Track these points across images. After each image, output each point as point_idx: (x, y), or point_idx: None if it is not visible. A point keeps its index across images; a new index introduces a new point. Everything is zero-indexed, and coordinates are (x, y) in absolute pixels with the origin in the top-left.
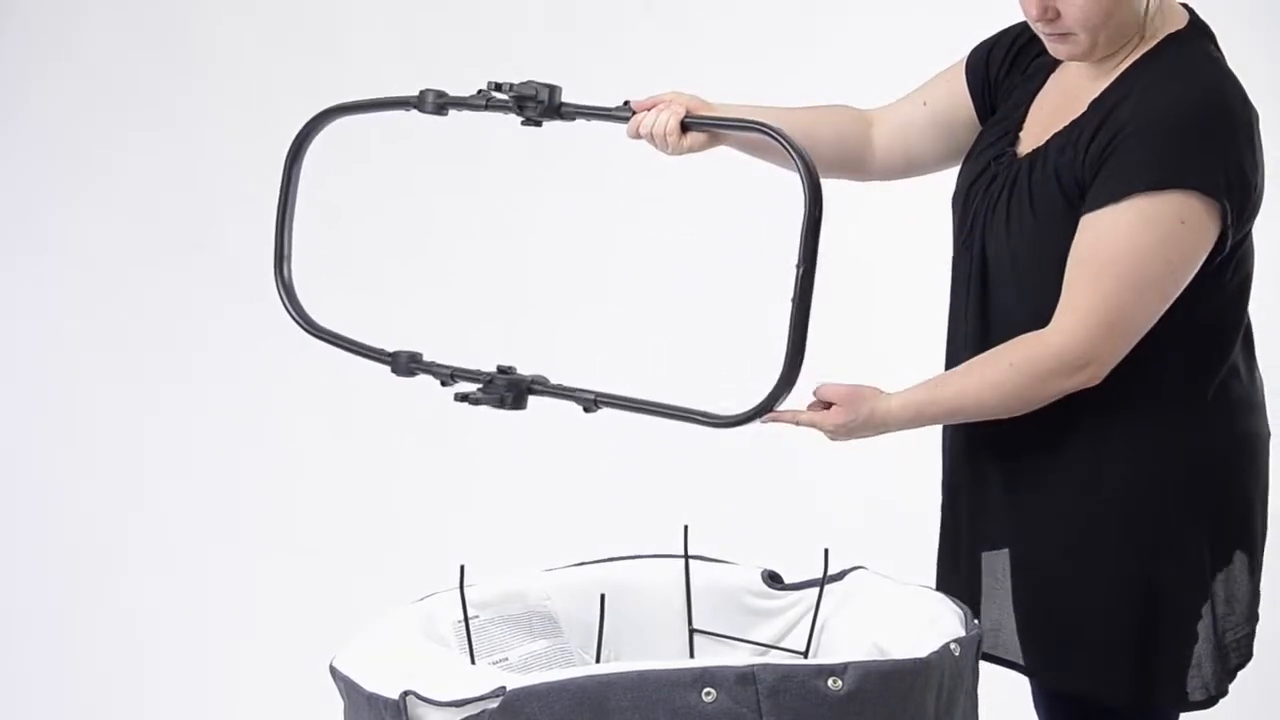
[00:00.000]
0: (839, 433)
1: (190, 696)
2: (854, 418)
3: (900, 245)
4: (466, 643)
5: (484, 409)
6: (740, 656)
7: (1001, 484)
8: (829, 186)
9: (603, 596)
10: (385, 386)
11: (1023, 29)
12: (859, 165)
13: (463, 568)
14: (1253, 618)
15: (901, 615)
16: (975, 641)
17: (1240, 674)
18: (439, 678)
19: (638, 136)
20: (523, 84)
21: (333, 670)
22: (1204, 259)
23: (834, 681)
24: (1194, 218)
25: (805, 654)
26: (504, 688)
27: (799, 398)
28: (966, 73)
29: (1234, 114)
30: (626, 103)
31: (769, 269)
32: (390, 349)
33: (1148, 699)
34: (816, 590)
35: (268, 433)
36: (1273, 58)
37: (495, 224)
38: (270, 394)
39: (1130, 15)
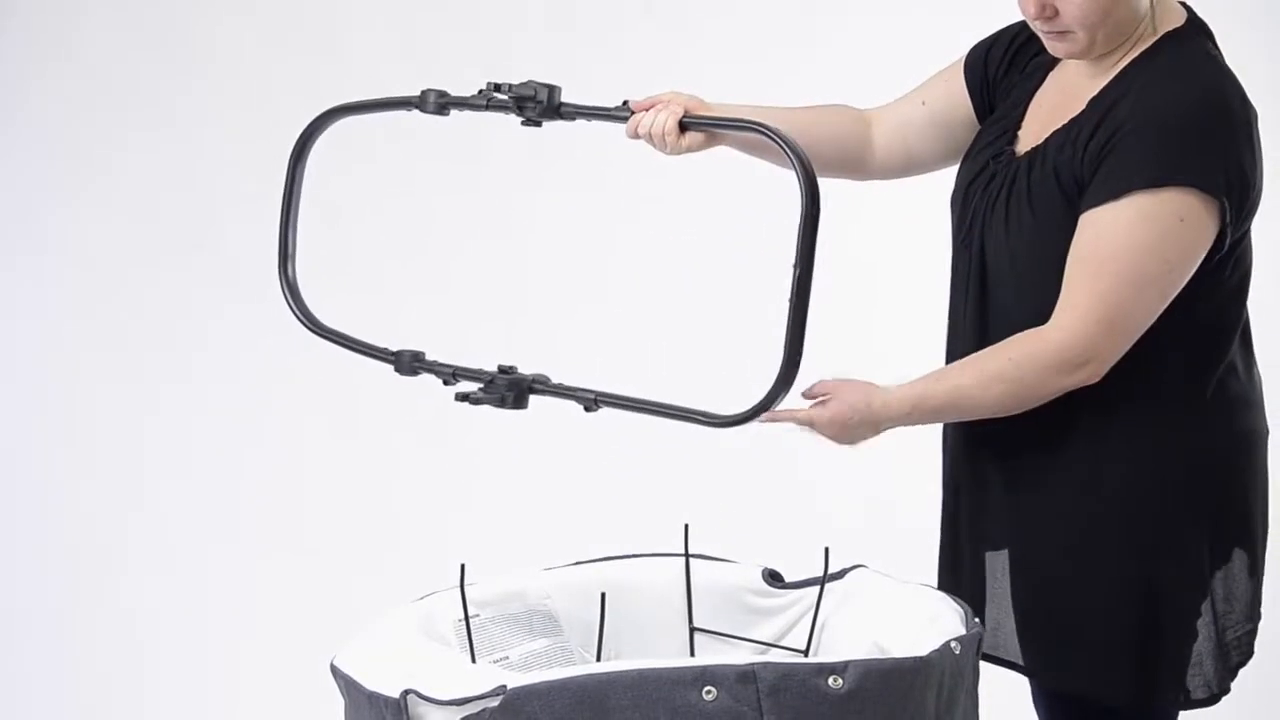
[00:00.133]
0: (836, 429)
1: (190, 696)
2: (851, 409)
3: (899, 244)
4: (467, 641)
5: (484, 408)
6: (741, 655)
7: (1001, 484)
8: (828, 186)
9: (603, 595)
10: (385, 386)
11: (1021, 28)
12: (858, 165)
13: (463, 566)
14: (1253, 616)
15: (902, 614)
16: (976, 640)
17: (1241, 672)
18: (439, 676)
19: (636, 136)
20: (522, 84)
21: (333, 669)
22: (1203, 257)
23: (834, 680)
24: (1193, 215)
25: (806, 652)
26: (504, 686)
27: (798, 399)
28: (965, 72)
29: (1233, 112)
30: (625, 103)
31: (768, 268)
32: (393, 348)
33: (1148, 698)
34: (817, 589)
35: (268, 433)
36: (1272, 57)
37: (496, 224)
38: (270, 394)
39: (1128, 13)
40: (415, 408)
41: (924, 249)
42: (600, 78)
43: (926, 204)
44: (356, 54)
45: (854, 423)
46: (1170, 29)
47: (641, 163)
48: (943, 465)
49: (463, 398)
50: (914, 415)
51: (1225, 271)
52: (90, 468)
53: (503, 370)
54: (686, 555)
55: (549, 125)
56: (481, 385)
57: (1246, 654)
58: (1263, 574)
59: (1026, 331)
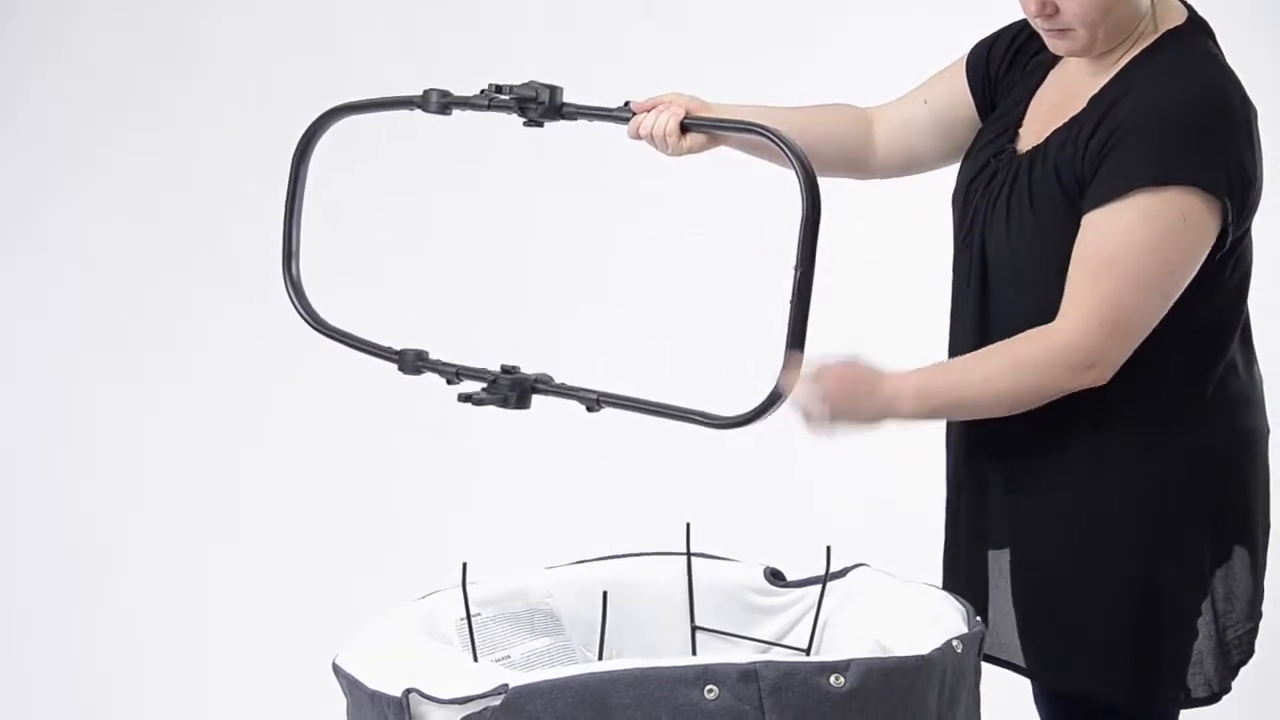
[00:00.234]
0: (842, 393)
1: (190, 696)
2: (860, 376)
3: (900, 244)
4: (469, 640)
5: (486, 408)
6: (742, 654)
7: (1001, 483)
8: (829, 185)
9: (605, 594)
10: (386, 386)
11: (1022, 26)
12: (860, 164)
13: (465, 565)
14: (1254, 614)
15: (904, 612)
16: (978, 638)
17: (1242, 671)
18: (441, 675)
19: (638, 137)
20: (524, 85)
21: (335, 668)
22: (1205, 256)
23: (836, 679)
24: (1195, 215)
25: (807, 651)
26: (506, 685)
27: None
28: (967, 70)
29: (1234, 111)
30: (627, 104)
31: (770, 269)
32: (396, 347)
33: (1149, 697)
34: (819, 588)
35: (268, 433)
36: (1271, 56)
37: (498, 224)
38: (270, 394)
39: (1129, 10)
40: (416, 407)
41: (925, 248)
42: (600, 78)
43: (927, 203)
44: (356, 54)
45: (861, 391)
46: (1171, 27)
47: (643, 164)
48: (946, 464)
49: (465, 399)
50: (918, 402)
51: (1226, 271)
52: (90, 468)
53: (505, 370)
54: (688, 554)
55: (551, 126)
56: (484, 385)
57: (1247, 653)
58: (1264, 573)
59: (1033, 331)
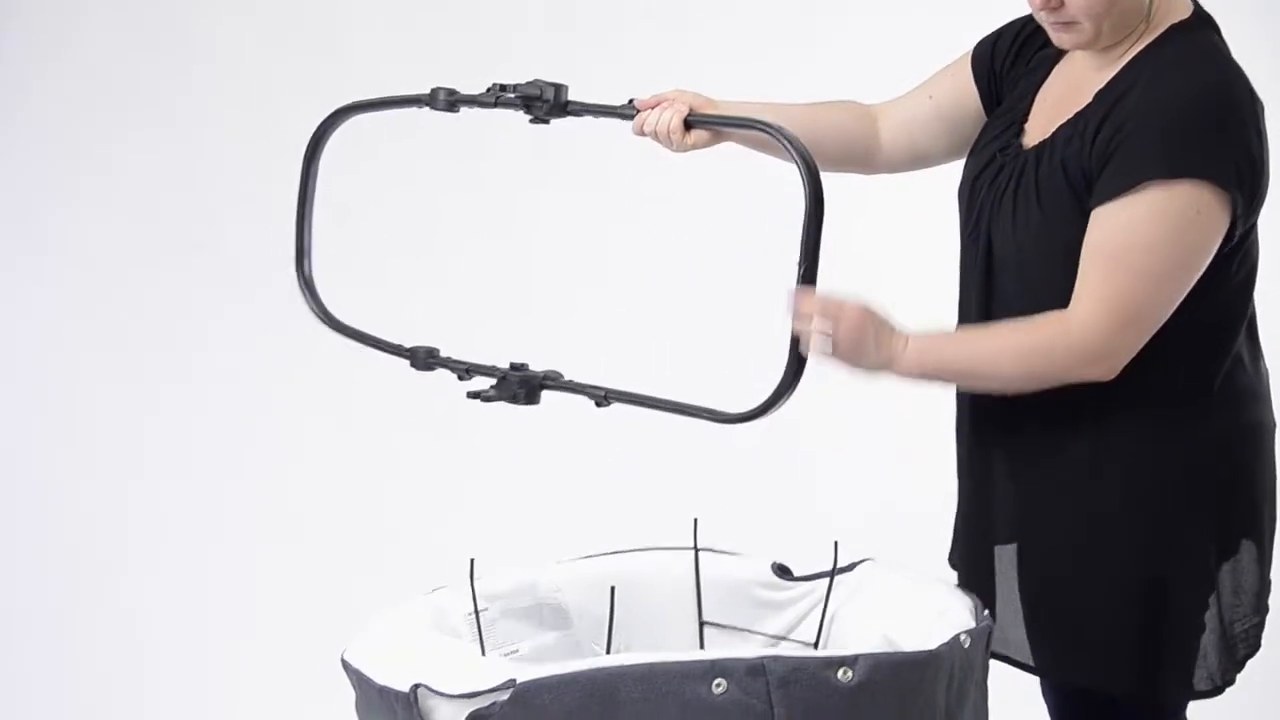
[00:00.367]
0: (855, 332)
1: (191, 696)
2: (874, 317)
3: (904, 239)
4: (477, 635)
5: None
6: (750, 648)
7: (1008, 478)
8: (835, 180)
9: (613, 589)
10: (391, 383)
11: (1026, 21)
12: (865, 160)
13: (473, 560)
14: (1262, 608)
15: (911, 607)
16: (986, 633)
17: (1247, 664)
18: (450, 670)
19: (642, 134)
20: (529, 83)
21: (344, 663)
22: (1215, 250)
23: (844, 673)
24: (1207, 208)
25: (815, 645)
26: (515, 680)
27: (803, 395)
28: (972, 65)
29: (1241, 103)
30: (631, 101)
31: (776, 265)
32: (407, 344)
33: (1154, 691)
34: (826, 582)
35: (270, 431)
36: (1276, 50)
37: (503, 222)
38: (272, 393)
39: (1134, 4)
40: (423, 403)
41: (930, 244)
42: (601, 78)
43: (930, 199)
44: (356, 53)
45: (869, 338)
46: (1176, 21)
47: (649, 161)
48: (957, 459)
49: (474, 396)
50: (920, 362)
51: (1233, 265)
52: (90, 468)
53: (514, 367)
54: (696, 549)
55: (556, 123)
56: (494, 382)
57: (1254, 646)
58: (1270, 566)
59: (1047, 316)
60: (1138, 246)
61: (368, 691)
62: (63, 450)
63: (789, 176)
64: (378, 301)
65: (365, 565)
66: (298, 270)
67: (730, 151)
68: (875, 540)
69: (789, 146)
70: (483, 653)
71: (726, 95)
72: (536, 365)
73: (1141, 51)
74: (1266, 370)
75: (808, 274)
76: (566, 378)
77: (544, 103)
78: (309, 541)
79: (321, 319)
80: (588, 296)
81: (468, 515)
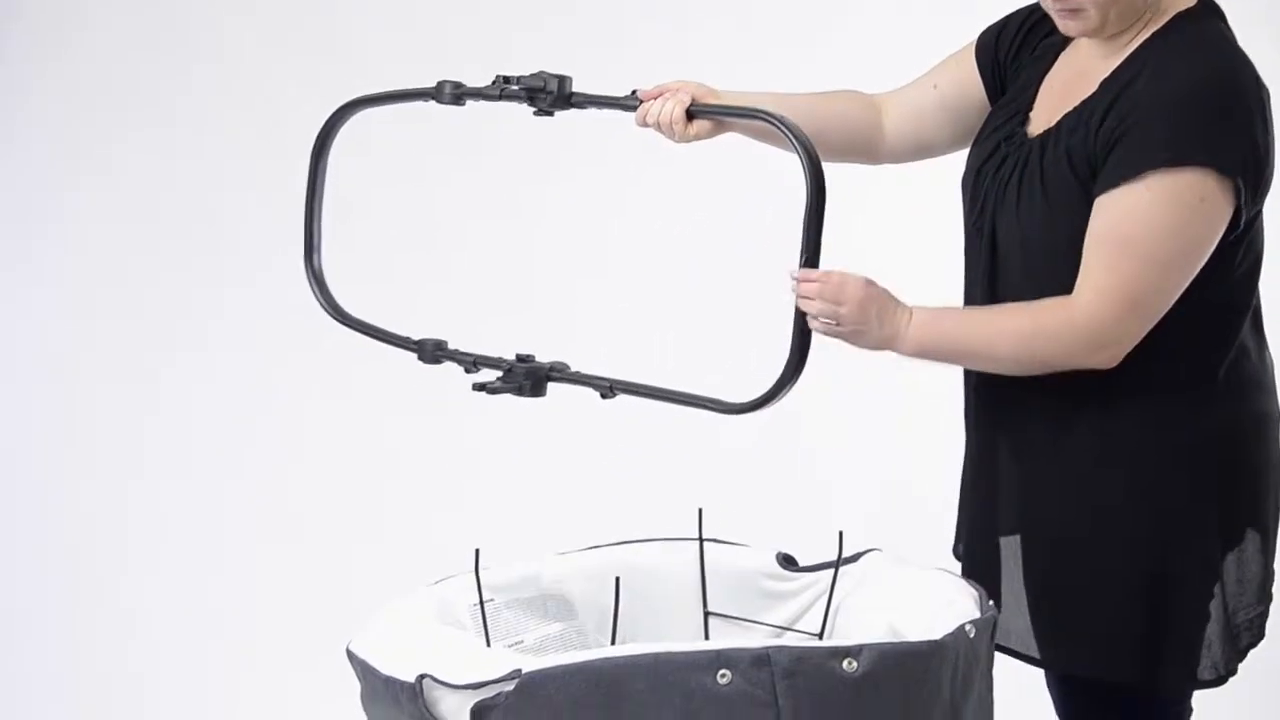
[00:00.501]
0: (861, 300)
1: (193, 691)
2: (879, 290)
3: (906, 230)
4: (482, 626)
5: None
6: (755, 639)
7: (1012, 468)
8: (837, 171)
9: (617, 579)
10: (394, 375)
11: (1032, 10)
12: (869, 150)
13: (478, 551)
14: (1265, 597)
15: (916, 597)
16: (991, 623)
17: (1251, 653)
18: (455, 661)
19: (645, 125)
20: (533, 75)
21: (350, 654)
22: (1220, 238)
23: (849, 663)
24: (1212, 196)
25: (820, 636)
26: (520, 670)
27: (807, 385)
28: (976, 54)
29: (1248, 91)
30: (634, 92)
31: (782, 256)
32: (415, 337)
33: (1158, 680)
34: (831, 573)
35: (272, 427)
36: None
37: (507, 215)
38: (274, 388)
39: None
40: (426, 395)
41: (932, 235)
42: (604, 70)
43: (933, 190)
44: (356, 51)
45: (873, 313)
46: (1182, 9)
47: (652, 152)
48: (965, 446)
49: (480, 388)
50: (923, 338)
51: (1238, 253)
52: (90, 466)
53: (521, 359)
54: (700, 539)
55: (560, 115)
56: (500, 374)
57: (1258, 635)
58: (1274, 556)
59: (1053, 300)
60: (1142, 234)
61: (373, 682)
62: (62, 449)
63: (792, 167)
64: (383, 295)
65: (370, 558)
66: (307, 264)
67: (733, 142)
68: (880, 531)
69: (791, 137)
70: (488, 644)
71: (730, 86)
72: (541, 357)
73: (1147, 40)
74: (1272, 361)
75: (810, 265)
76: (572, 369)
77: (548, 94)
78: (313, 534)
79: (331, 313)
80: (591, 288)
81: (472, 507)
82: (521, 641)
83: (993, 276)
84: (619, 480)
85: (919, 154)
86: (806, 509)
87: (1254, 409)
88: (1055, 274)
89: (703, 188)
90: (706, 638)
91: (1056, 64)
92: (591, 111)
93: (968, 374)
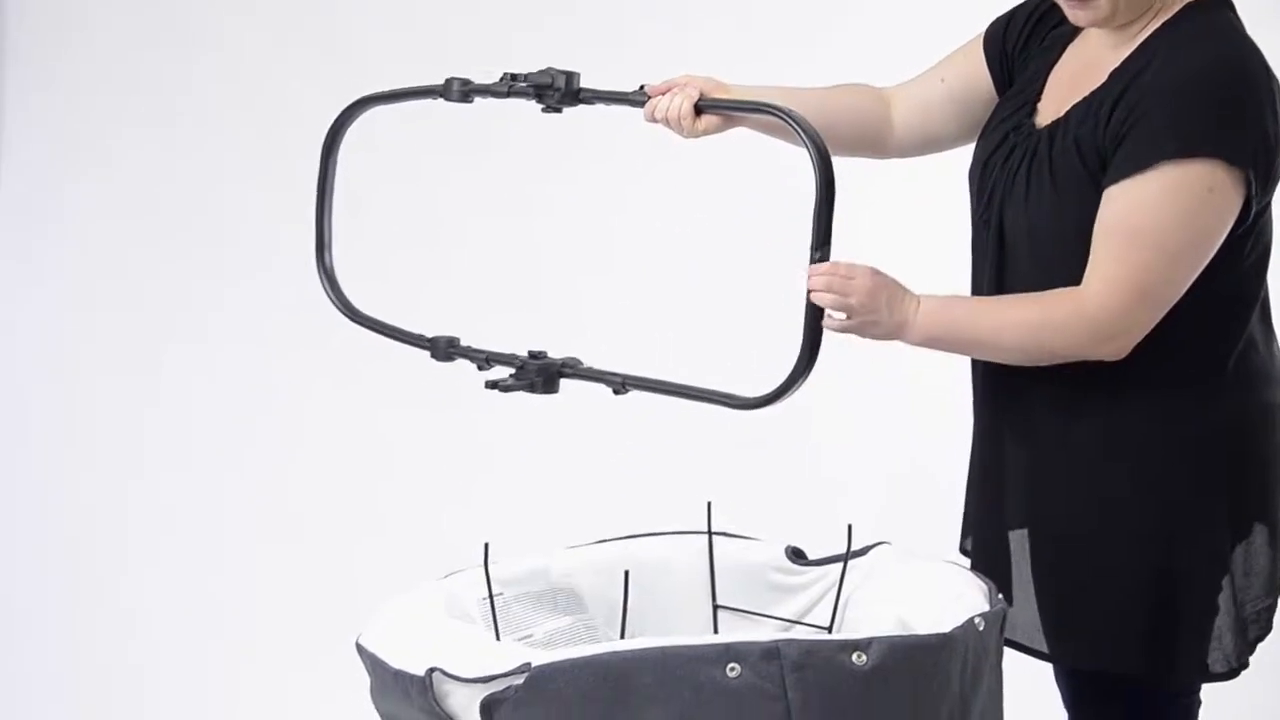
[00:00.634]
0: (871, 288)
1: (197, 687)
2: (888, 279)
3: (916, 223)
4: (491, 620)
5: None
6: (764, 632)
7: (1021, 458)
8: (847, 164)
9: (626, 573)
10: (401, 371)
11: (1039, 2)
12: (877, 144)
13: (487, 545)
14: (1273, 590)
15: (925, 590)
16: (1000, 616)
17: (1260, 646)
18: (464, 654)
19: (654, 120)
20: (541, 71)
21: (359, 648)
22: (1230, 228)
23: (858, 656)
24: (1221, 186)
25: (829, 629)
26: (529, 664)
27: (816, 379)
28: (984, 46)
29: (1258, 82)
30: (642, 87)
31: (792, 251)
32: (428, 334)
33: (1169, 673)
34: (840, 566)
35: (276, 422)
36: None
37: (516, 211)
38: (277, 383)
39: None
40: (434, 391)
41: (940, 229)
42: (611, 66)
43: (941, 183)
44: (358, 48)
45: (882, 301)
46: None
47: (661, 148)
48: (973, 434)
49: (493, 385)
50: (932, 327)
51: (1246, 244)
52: (90, 462)
53: (533, 355)
54: (709, 533)
55: (569, 111)
56: (512, 371)
57: (1266, 628)
58: None
59: (1062, 291)
60: (1151, 225)
61: (383, 676)
62: (63, 443)
63: (800, 161)
64: (393, 292)
65: (378, 553)
66: (318, 262)
67: (742, 137)
68: (889, 524)
69: (800, 131)
70: (497, 637)
71: (737, 80)
72: (553, 353)
73: (1157, 30)
74: None
75: (821, 259)
76: (584, 365)
77: (556, 91)
78: (318, 530)
79: (343, 311)
80: (601, 284)
81: (482, 501)
82: (531, 635)
83: (1000, 268)
84: (627, 474)
85: (927, 147)
86: (815, 502)
87: (1262, 400)
88: (1064, 265)
89: (712, 183)
90: (715, 631)
91: (1065, 55)
92: (600, 107)
93: (975, 363)
